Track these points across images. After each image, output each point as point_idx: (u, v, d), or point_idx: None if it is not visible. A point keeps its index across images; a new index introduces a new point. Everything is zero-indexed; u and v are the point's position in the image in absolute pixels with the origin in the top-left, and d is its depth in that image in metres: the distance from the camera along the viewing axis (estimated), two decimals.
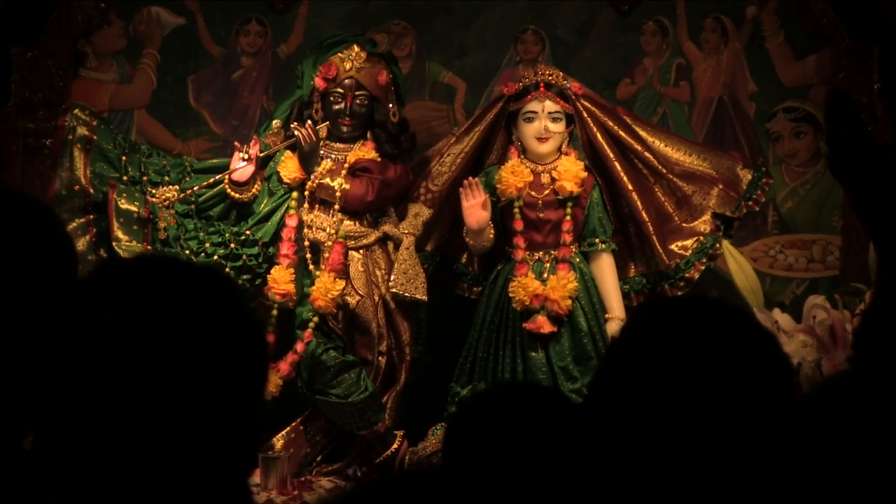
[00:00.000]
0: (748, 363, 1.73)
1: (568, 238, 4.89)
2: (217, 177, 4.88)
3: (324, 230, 4.88)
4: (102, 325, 1.53)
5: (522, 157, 4.94)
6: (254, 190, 4.91)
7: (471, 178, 4.87)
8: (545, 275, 4.86)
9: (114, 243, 4.72)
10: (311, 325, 4.82)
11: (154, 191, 4.86)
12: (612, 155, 5.00)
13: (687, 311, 1.79)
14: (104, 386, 1.51)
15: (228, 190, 4.89)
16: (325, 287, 4.78)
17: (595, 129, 4.99)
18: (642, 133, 5.08)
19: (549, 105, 4.87)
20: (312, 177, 4.86)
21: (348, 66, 4.87)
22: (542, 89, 4.88)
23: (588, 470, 1.71)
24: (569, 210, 4.89)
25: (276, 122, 5.01)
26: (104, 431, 1.51)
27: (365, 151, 4.90)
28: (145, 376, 1.51)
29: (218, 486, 1.55)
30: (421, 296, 4.86)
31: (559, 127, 4.89)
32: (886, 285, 1.91)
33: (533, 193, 4.90)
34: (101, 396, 1.51)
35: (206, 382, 1.53)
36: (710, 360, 1.71)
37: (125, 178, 4.86)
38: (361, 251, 4.91)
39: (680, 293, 4.99)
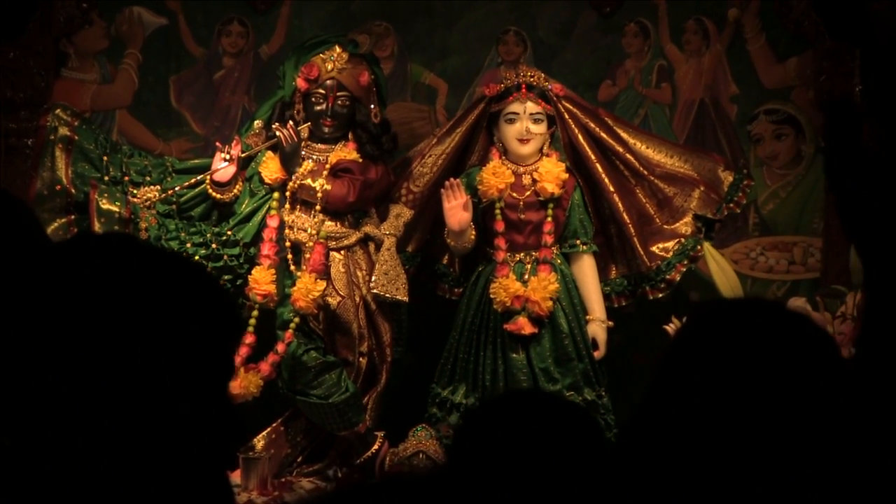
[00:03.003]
0: (814, 367, 1.71)
1: (549, 239, 4.89)
2: (198, 177, 4.88)
3: (305, 231, 4.88)
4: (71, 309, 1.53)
5: (504, 158, 4.94)
6: (235, 190, 4.91)
7: (452, 180, 4.87)
8: (526, 276, 4.86)
9: None
10: (292, 325, 4.82)
11: (135, 191, 4.85)
12: (593, 156, 5.01)
13: (749, 314, 1.76)
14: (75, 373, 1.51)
15: (210, 190, 4.89)
16: (306, 288, 4.78)
17: (576, 131, 5.00)
18: (624, 135, 5.08)
19: (531, 106, 4.87)
20: (294, 177, 4.85)
21: (330, 66, 4.87)
22: (523, 90, 4.88)
23: (606, 480, 1.69)
24: (550, 211, 4.89)
25: (257, 123, 5.01)
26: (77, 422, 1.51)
27: (346, 152, 4.90)
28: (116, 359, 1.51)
29: (194, 481, 1.55)
30: (402, 297, 4.86)
31: (541, 128, 4.89)
32: (874, 290, 1.92)
33: (514, 195, 4.90)
34: (73, 383, 1.51)
35: (174, 369, 1.53)
36: (777, 364, 1.69)
37: (107, 178, 4.85)
38: (342, 252, 4.91)
39: (661, 295, 5.01)
